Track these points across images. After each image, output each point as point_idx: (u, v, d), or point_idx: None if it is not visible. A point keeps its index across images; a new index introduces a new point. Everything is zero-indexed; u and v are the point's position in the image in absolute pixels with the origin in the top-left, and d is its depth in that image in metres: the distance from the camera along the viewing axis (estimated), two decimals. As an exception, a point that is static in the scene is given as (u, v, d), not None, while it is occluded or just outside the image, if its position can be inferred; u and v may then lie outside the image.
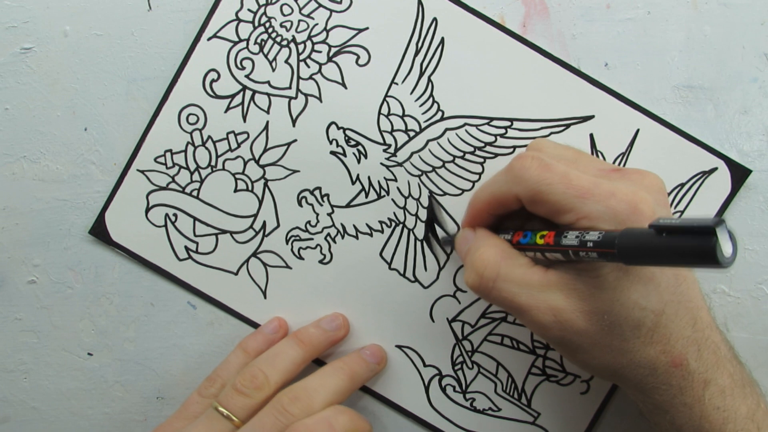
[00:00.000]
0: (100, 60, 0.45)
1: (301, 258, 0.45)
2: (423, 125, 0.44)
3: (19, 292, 0.47)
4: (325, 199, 0.45)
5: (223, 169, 0.45)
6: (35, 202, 0.46)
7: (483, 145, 0.44)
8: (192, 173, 0.45)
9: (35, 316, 0.47)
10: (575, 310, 0.33)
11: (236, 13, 0.44)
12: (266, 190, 0.45)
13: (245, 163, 0.45)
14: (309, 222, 0.45)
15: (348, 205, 0.45)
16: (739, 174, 0.43)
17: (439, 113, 0.44)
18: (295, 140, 0.45)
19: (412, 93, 0.44)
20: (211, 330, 0.46)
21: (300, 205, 0.45)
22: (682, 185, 0.43)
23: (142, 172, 0.45)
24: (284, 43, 0.44)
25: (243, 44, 0.44)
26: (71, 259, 0.46)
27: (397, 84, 0.44)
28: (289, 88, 0.45)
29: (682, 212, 0.44)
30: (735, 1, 0.43)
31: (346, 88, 0.44)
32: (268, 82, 0.45)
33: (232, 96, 0.45)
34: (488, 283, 0.35)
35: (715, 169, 0.43)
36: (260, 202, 0.45)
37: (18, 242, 0.46)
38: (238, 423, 0.39)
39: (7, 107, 0.45)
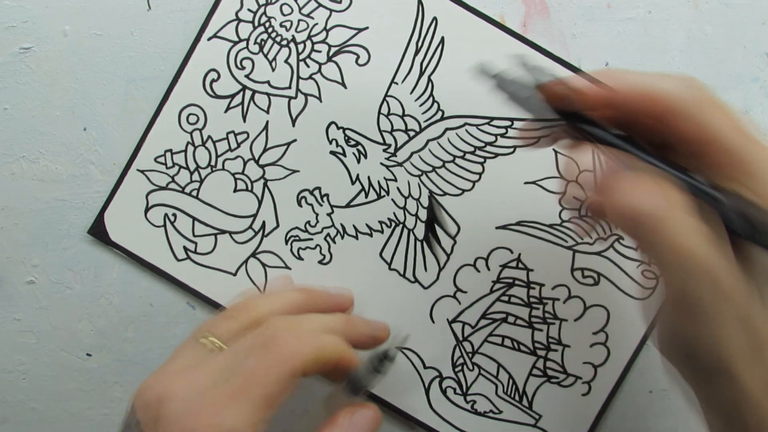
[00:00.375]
0: (100, 60, 0.45)
1: (300, 258, 0.45)
2: (423, 125, 0.44)
3: (17, 293, 0.46)
4: (324, 199, 0.45)
5: (223, 169, 0.45)
6: (34, 202, 0.46)
7: (483, 144, 0.44)
8: (192, 173, 0.45)
9: (34, 317, 0.47)
10: (736, 270, 0.28)
11: (236, 13, 0.44)
12: (266, 190, 0.45)
13: (245, 163, 0.45)
14: (308, 222, 0.45)
15: (348, 205, 0.45)
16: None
17: (439, 113, 0.44)
18: (294, 140, 0.45)
19: (412, 92, 0.44)
20: (210, 330, 0.46)
21: (299, 205, 0.45)
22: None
23: (142, 171, 0.45)
24: (284, 42, 0.44)
25: (243, 44, 0.44)
26: (70, 259, 0.46)
27: (397, 84, 0.44)
28: (289, 87, 0.44)
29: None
30: (736, 1, 0.43)
31: (345, 87, 0.44)
32: (268, 82, 0.44)
33: (232, 96, 0.45)
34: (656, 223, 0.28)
35: None
36: (260, 202, 0.45)
37: (17, 242, 0.46)
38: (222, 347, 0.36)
39: (6, 107, 0.45)
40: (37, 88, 0.45)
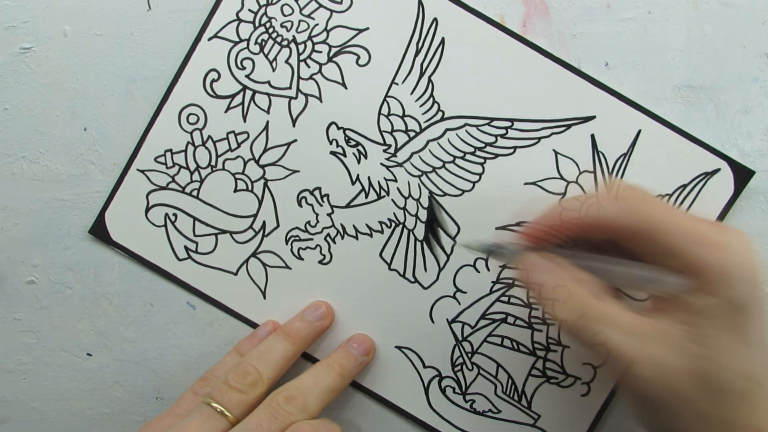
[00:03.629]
0: (100, 60, 0.45)
1: (300, 258, 0.45)
2: (423, 125, 0.44)
3: (18, 293, 0.46)
4: (324, 199, 0.45)
5: (223, 169, 0.45)
6: (34, 202, 0.46)
7: (483, 145, 0.44)
8: (192, 173, 0.45)
9: (34, 317, 0.47)
10: (683, 370, 0.31)
11: (237, 14, 0.44)
12: (266, 190, 0.45)
13: (245, 163, 0.45)
14: (309, 222, 0.45)
15: (348, 206, 0.45)
16: (743, 175, 0.43)
17: (440, 113, 0.44)
18: (295, 140, 0.45)
19: (412, 93, 0.44)
20: (211, 330, 0.46)
21: (300, 205, 0.45)
22: (684, 186, 0.43)
23: (142, 171, 0.45)
24: (285, 43, 0.44)
25: (243, 44, 0.44)
26: (70, 259, 0.46)
27: (397, 84, 0.44)
28: (290, 88, 0.44)
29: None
30: (736, 1, 0.43)
31: (346, 88, 0.44)
32: (269, 82, 0.44)
33: (233, 96, 0.45)
34: (587, 324, 0.32)
35: (718, 170, 0.43)
36: (260, 202, 0.45)
37: (17, 242, 0.46)
38: (233, 419, 0.38)
39: (6, 107, 0.45)
40: (37, 88, 0.45)
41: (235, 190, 0.45)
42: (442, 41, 0.44)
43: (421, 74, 0.44)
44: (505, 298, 0.44)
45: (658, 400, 0.31)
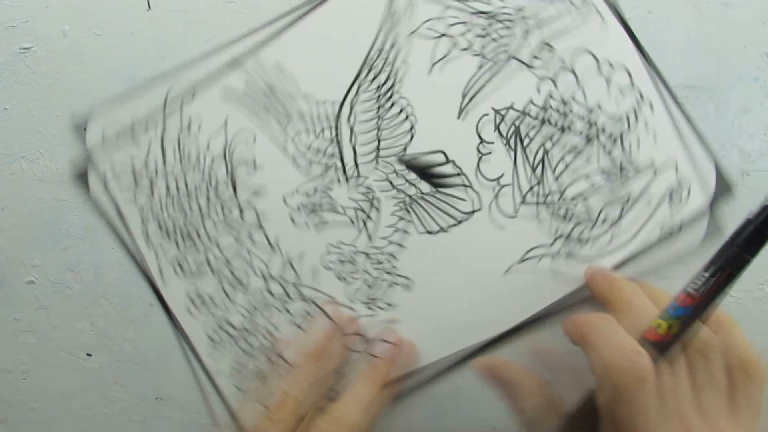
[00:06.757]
0: (100, 60, 0.45)
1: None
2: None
3: (17, 293, 0.46)
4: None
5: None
6: (34, 202, 0.46)
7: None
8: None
9: (34, 317, 0.47)
10: None
11: None
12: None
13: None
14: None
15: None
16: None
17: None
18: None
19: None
20: (210, 330, 0.46)
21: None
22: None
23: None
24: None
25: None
26: (70, 259, 0.46)
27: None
28: None
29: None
30: (736, 1, 0.43)
31: None
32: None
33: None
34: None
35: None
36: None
37: (17, 242, 0.46)
38: None
39: (6, 107, 0.45)
40: (37, 88, 0.45)
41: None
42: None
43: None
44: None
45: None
